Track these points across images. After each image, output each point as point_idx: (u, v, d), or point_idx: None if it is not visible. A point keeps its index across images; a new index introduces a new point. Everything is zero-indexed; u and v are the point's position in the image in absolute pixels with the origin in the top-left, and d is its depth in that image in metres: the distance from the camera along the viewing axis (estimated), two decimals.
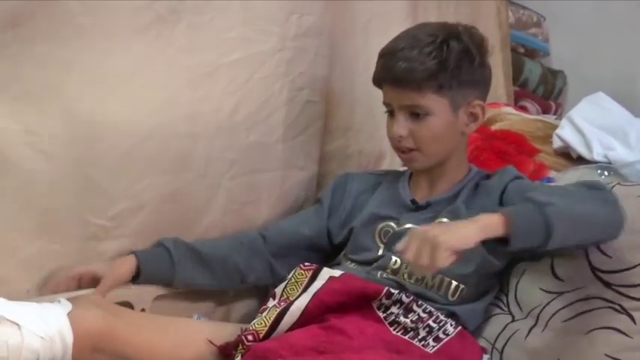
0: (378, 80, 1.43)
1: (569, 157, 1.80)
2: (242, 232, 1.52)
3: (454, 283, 1.33)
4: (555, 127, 1.87)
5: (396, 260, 1.36)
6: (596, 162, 1.72)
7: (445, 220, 1.37)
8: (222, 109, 1.48)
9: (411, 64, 1.34)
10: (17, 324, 1.10)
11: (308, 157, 1.66)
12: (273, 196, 1.60)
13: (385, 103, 1.42)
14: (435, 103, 1.35)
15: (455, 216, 1.36)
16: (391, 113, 1.40)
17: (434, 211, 1.40)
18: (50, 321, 1.13)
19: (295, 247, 1.50)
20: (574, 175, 1.71)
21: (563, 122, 1.84)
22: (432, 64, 1.33)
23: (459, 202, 1.38)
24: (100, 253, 1.37)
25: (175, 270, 1.40)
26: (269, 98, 1.55)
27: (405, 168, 1.52)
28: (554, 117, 2.26)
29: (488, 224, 1.15)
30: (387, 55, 1.39)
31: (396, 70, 1.36)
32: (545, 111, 2.45)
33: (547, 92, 2.60)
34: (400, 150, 1.40)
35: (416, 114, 1.36)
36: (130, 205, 1.38)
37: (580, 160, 1.77)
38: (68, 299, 1.19)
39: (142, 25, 1.36)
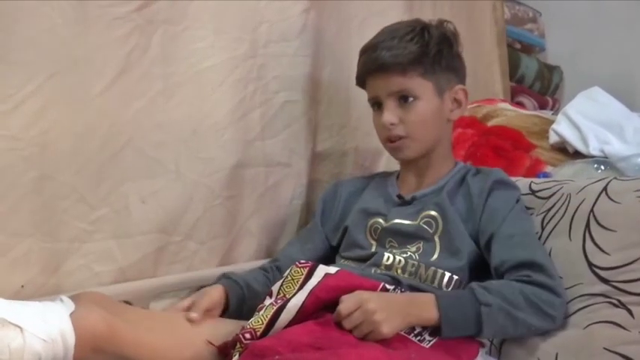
0: (363, 75, 1.46)
1: (566, 151, 1.80)
2: (263, 267, 1.50)
3: (447, 274, 1.34)
4: (552, 122, 1.87)
5: (388, 257, 1.38)
6: (592, 156, 1.72)
7: (433, 213, 1.39)
8: (195, 114, 1.50)
9: (395, 50, 1.39)
10: (19, 327, 1.08)
11: (293, 153, 1.68)
12: (257, 191, 1.62)
13: (372, 97, 1.45)
14: (421, 86, 1.39)
15: (441, 209, 1.38)
16: (379, 106, 1.44)
17: (420, 205, 1.42)
18: (52, 322, 1.11)
19: None
20: (570, 170, 1.72)
21: (560, 117, 1.84)
22: (415, 47, 1.39)
23: (444, 194, 1.41)
24: (84, 253, 1.38)
25: (242, 310, 1.39)
26: (242, 99, 1.57)
27: (396, 169, 1.54)
28: (551, 112, 2.26)
29: (420, 318, 1.21)
30: (369, 50, 1.44)
31: (380, 59, 1.40)
32: (542, 106, 2.45)
33: (544, 88, 2.59)
34: (390, 140, 1.43)
35: (404, 98, 1.40)
36: (109, 210, 1.41)
37: (576, 155, 1.77)
38: (70, 297, 1.19)
39: (122, 35, 1.39)
